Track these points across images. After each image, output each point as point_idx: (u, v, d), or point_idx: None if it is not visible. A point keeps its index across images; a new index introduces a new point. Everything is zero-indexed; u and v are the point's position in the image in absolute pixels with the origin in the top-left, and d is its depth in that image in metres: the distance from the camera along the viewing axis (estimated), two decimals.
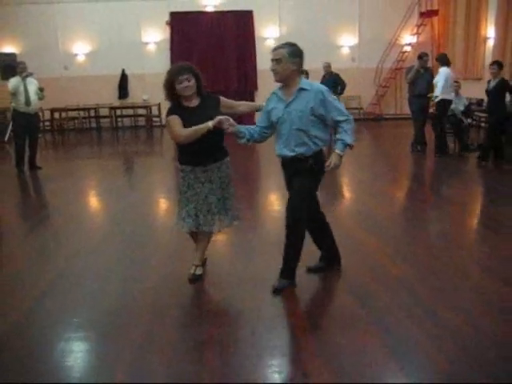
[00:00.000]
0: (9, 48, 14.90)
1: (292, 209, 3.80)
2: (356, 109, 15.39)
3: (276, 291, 3.81)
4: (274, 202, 6.83)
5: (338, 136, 3.78)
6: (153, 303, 3.76)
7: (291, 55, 3.67)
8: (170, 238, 5.25)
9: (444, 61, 9.35)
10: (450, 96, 9.23)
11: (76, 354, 3.16)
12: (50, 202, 7.54)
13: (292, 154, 3.77)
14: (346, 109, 3.89)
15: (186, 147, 3.91)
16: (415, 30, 15.39)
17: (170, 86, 3.85)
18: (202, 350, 3.10)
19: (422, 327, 3.26)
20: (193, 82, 3.84)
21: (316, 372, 2.84)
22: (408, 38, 15.45)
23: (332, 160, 3.74)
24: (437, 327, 3.26)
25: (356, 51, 15.68)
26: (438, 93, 9.05)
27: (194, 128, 3.74)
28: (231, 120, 3.75)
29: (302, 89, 3.71)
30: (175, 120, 3.83)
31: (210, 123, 3.68)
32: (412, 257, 4.58)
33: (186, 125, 3.79)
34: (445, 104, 9.17)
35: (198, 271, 4.09)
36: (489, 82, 8.66)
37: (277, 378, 2.84)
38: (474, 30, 13.26)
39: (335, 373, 2.81)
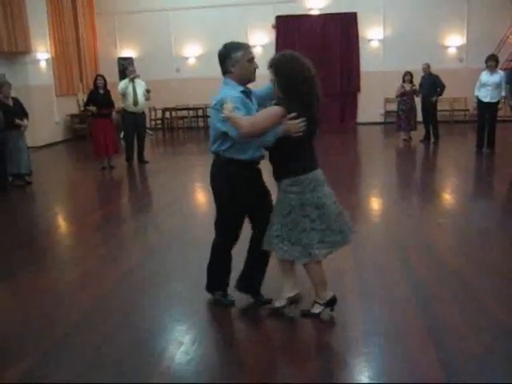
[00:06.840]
0: (127, 52, 16.21)
1: None
2: (461, 111, 14.90)
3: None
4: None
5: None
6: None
7: None
8: None
9: None
10: None
11: (159, 330, 3.46)
12: (152, 192, 8.26)
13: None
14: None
15: (298, 150, 3.34)
16: None
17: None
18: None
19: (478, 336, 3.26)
20: None
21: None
22: None
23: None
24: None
25: (463, 51, 15.18)
26: None
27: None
28: None
29: None
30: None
31: None
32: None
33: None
34: None
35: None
36: None
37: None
38: None
39: None
